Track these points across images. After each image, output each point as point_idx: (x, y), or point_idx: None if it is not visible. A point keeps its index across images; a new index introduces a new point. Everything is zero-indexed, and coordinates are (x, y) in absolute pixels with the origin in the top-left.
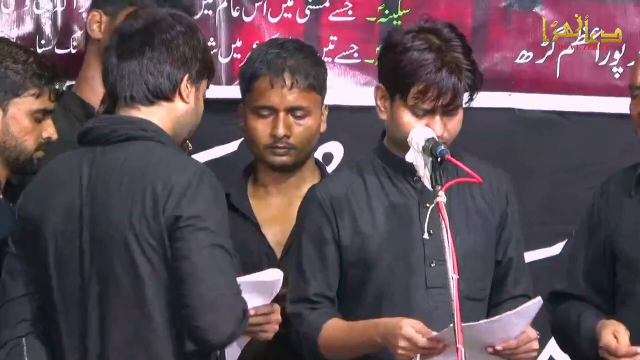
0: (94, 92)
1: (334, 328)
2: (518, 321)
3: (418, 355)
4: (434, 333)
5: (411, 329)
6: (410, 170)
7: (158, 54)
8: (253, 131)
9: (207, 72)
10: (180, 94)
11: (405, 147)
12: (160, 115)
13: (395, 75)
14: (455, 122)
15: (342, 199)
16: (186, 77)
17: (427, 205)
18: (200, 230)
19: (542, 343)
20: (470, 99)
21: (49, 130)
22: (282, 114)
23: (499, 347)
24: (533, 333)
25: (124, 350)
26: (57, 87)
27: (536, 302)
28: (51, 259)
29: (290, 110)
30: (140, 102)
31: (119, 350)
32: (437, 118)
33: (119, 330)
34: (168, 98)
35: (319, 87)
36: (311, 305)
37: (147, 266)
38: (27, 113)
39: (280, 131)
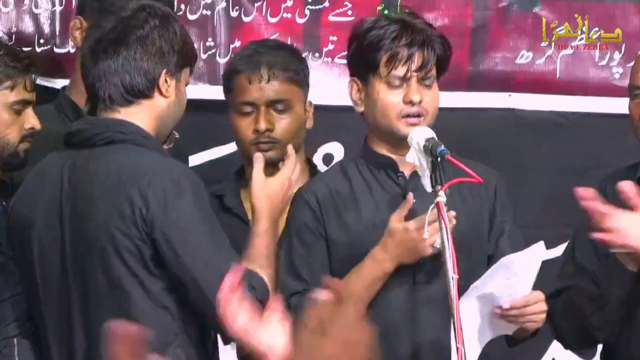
0: (85, 97)
1: None
2: (522, 269)
3: (437, 238)
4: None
5: (413, 222)
6: (392, 167)
7: (134, 52)
8: (237, 129)
9: (187, 60)
10: (159, 90)
11: (388, 134)
12: (142, 116)
13: (363, 55)
14: (432, 96)
15: (327, 198)
16: (164, 71)
17: (412, 200)
18: (190, 242)
19: (544, 345)
20: (442, 73)
21: (31, 120)
22: (263, 109)
23: (506, 306)
24: (540, 293)
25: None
26: (32, 76)
27: (538, 246)
28: (36, 263)
29: (271, 104)
30: (119, 104)
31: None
32: (413, 83)
33: (102, 337)
34: (146, 95)
35: (299, 80)
36: (300, 294)
37: (125, 272)
38: (5, 106)
39: (262, 125)
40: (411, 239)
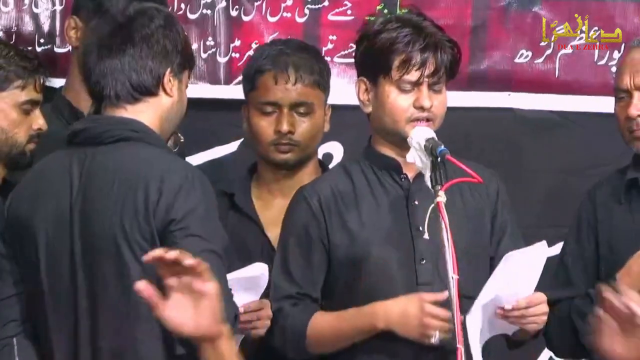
0: (80, 97)
1: (322, 320)
2: (524, 268)
3: (437, 332)
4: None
5: (432, 306)
6: (396, 168)
7: (139, 50)
8: (257, 129)
9: (188, 62)
10: (164, 88)
11: (395, 136)
12: (148, 114)
13: (374, 57)
14: (441, 101)
15: (330, 199)
16: (168, 70)
17: (415, 202)
18: (192, 236)
19: (543, 344)
20: (451, 77)
21: (39, 121)
22: (286, 110)
23: (508, 307)
24: (542, 295)
25: (115, 352)
26: (41, 77)
27: (541, 245)
28: (42, 262)
29: (294, 107)
30: (125, 101)
31: (110, 352)
32: (424, 88)
33: (110, 334)
34: (152, 93)
35: (322, 84)
36: (294, 301)
37: (138, 270)
38: (15, 106)
39: (285, 127)
40: (419, 318)
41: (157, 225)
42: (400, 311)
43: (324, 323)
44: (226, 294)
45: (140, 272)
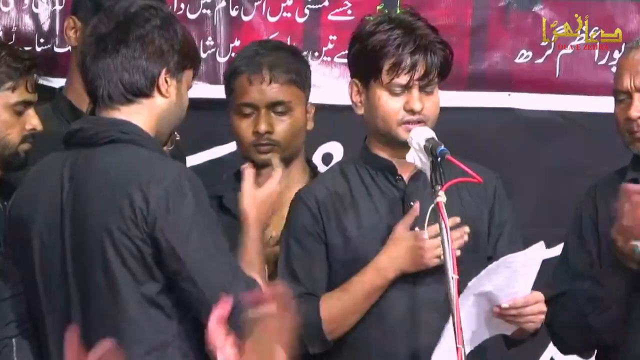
0: (80, 97)
1: (331, 299)
2: (522, 269)
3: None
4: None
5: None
6: (391, 170)
7: (132, 51)
8: (238, 131)
9: (189, 62)
10: (158, 89)
11: (388, 138)
12: (142, 115)
13: (365, 60)
14: (433, 103)
15: (327, 201)
16: (164, 71)
17: (411, 203)
18: (190, 243)
19: (543, 344)
20: (443, 78)
21: (33, 121)
22: (263, 111)
23: (505, 305)
24: (539, 294)
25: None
26: (34, 77)
27: (539, 246)
28: (37, 263)
29: (271, 106)
30: (118, 102)
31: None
32: (415, 92)
33: (100, 337)
34: (146, 94)
35: (300, 82)
36: (300, 299)
37: (125, 274)
38: (6, 107)
39: (262, 127)
40: (419, 247)
41: (147, 229)
42: (403, 252)
43: (334, 300)
44: (241, 288)
45: (125, 276)
